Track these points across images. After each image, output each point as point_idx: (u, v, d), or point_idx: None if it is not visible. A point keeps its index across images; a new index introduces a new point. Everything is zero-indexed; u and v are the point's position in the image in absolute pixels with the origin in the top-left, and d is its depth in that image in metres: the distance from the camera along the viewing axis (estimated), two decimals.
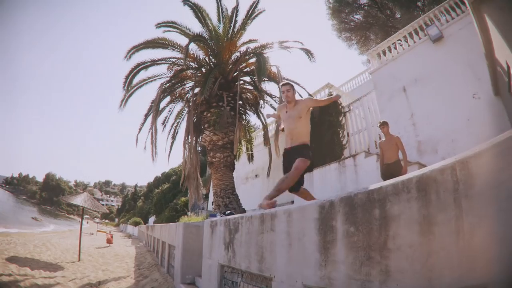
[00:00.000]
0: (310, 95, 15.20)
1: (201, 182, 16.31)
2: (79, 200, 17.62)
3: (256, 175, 20.78)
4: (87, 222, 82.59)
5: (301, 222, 3.06)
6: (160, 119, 16.64)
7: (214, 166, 15.08)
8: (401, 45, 13.31)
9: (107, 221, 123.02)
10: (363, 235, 2.18)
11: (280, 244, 3.45)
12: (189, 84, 16.83)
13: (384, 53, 13.97)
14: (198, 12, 15.20)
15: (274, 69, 14.88)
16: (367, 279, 2.12)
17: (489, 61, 8.09)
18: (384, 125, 8.86)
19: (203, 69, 15.72)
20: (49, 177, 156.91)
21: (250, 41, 16.34)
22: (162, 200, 55.25)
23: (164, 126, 17.83)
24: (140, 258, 17.97)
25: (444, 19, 12.11)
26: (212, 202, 15.51)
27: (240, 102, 14.80)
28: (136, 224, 54.04)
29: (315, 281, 2.71)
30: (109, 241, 28.60)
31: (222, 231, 5.56)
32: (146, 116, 16.41)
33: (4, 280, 8.93)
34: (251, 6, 15.58)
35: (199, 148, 17.96)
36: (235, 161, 15.86)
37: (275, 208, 3.88)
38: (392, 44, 13.73)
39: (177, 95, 17.02)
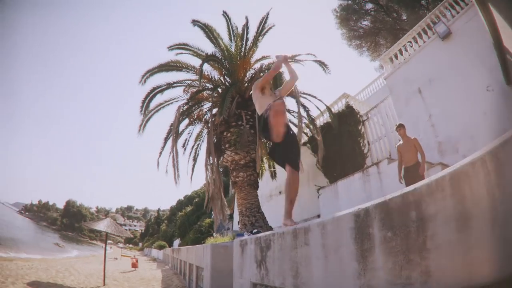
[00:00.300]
0: (327, 107, 15.22)
1: (225, 203, 16.29)
2: (102, 225, 17.75)
3: (280, 192, 20.58)
4: (111, 248, 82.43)
5: (336, 233, 3.04)
6: (180, 142, 16.74)
7: (238, 185, 15.06)
8: (412, 47, 13.41)
9: (131, 245, 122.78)
10: (401, 238, 2.17)
11: (315, 257, 3.40)
12: (207, 105, 16.94)
13: (396, 57, 14.12)
14: (209, 32, 15.43)
15: None
16: (407, 282, 2.10)
17: (498, 51, 8.08)
18: (400, 127, 8.91)
19: (219, 89, 15.85)
20: (69, 204, 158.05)
21: (263, 57, 16.49)
22: (186, 222, 55.48)
23: (185, 149, 17.94)
24: (167, 281, 17.99)
25: (449, 14, 12.16)
26: (238, 222, 15.52)
27: None
28: (160, 247, 54.35)
29: None
30: (134, 265, 28.64)
31: (253, 249, 5.47)
32: (166, 139, 16.51)
33: None
34: (260, 22, 15.75)
35: (220, 169, 18.00)
36: (258, 179, 15.82)
37: (308, 222, 3.78)
38: (403, 46, 13.82)
39: (195, 117, 17.10)
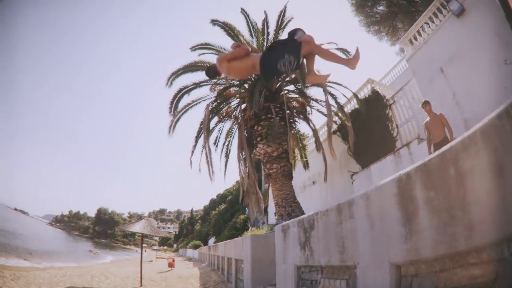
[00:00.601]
0: (354, 93, 15.46)
1: (261, 196, 16.38)
2: (138, 227, 18.04)
3: (313, 182, 20.71)
4: (145, 251, 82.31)
5: (380, 201, 3.19)
6: (211, 139, 16.85)
7: (272, 177, 15.32)
8: (429, 27, 13.38)
9: (165, 247, 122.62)
10: (443, 196, 2.33)
11: (361, 229, 3.54)
12: (235, 102, 17.17)
13: (415, 38, 14.09)
14: (230, 30, 15.63)
15: None
16: (453, 238, 2.25)
17: (510, 23, 8.10)
18: (426, 104, 9.03)
19: (246, 85, 16.04)
20: (101, 212, 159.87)
21: None
22: (221, 220, 55.69)
23: (216, 146, 18.17)
24: (205, 277, 18.17)
25: None
26: (275, 213, 15.65)
27: (288, 112, 14.96)
28: (196, 247, 54.72)
29: (402, 256, 2.83)
30: (170, 265, 28.83)
31: (296, 232, 5.61)
32: (197, 138, 16.78)
33: None
34: (279, 16, 15.98)
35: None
36: (292, 170, 15.97)
37: (352, 196, 3.92)
38: (420, 27, 13.80)
39: (224, 114, 17.32)
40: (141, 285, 15.67)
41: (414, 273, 2.81)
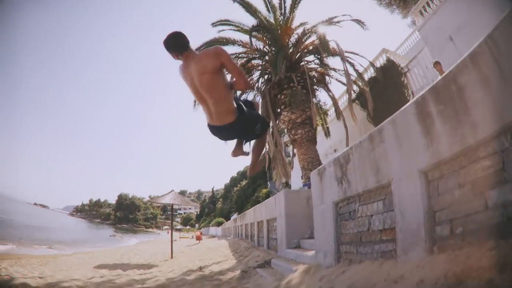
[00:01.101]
0: (371, 62, 16.25)
1: (287, 162, 17.08)
2: (168, 198, 18.70)
3: (334, 150, 21.28)
4: (168, 232, 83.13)
5: (404, 122, 3.95)
6: None
7: (297, 142, 16.09)
8: None
9: (188, 227, 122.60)
10: (450, 107, 3.16)
11: (391, 149, 4.27)
12: (256, 74, 17.93)
13: (425, 9, 14.74)
14: (248, 7, 16.34)
15: (333, 44, 15.37)
16: (463, 137, 2.99)
17: None
18: (437, 64, 9.65)
19: (267, 57, 16.87)
20: (121, 197, 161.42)
21: (301, 24, 17.05)
22: (243, 196, 56.30)
23: None
24: (234, 245, 18.68)
25: None
26: (301, 176, 16.36)
27: (309, 80, 15.51)
28: (219, 224, 55.22)
29: (427, 161, 3.54)
30: (198, 238, 29.44)
31: (333, 171, 6.20)
32: None
33: (97, 281, 8.91)
34: None
35: None
36: (315, 135, 16.67)
37: (381, 124, 4.58)
38: None
39: None
40: (171, 257, 16.31)
41: (439, 175, 3.45)
